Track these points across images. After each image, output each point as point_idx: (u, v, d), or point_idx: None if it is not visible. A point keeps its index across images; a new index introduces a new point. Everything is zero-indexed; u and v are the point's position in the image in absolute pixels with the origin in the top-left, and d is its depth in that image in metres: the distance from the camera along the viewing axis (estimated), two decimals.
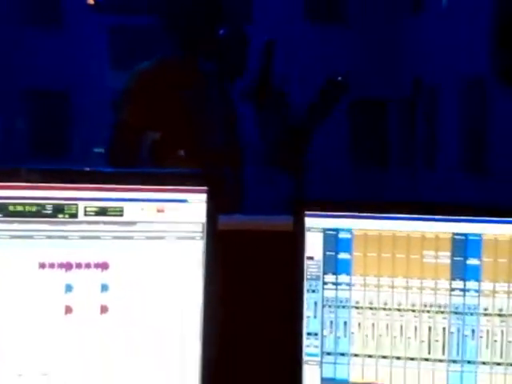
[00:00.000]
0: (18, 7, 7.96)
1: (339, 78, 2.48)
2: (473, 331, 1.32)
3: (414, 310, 1.34)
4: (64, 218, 1.29)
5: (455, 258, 1.33)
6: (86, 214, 1.29)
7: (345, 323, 1.37)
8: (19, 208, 1.27)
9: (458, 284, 1.33)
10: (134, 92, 2.59)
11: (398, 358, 1.35)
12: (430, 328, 1.34)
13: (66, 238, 1.29)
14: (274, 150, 2.54)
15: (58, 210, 1.29)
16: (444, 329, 1.33)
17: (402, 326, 1.35)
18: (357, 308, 1.36)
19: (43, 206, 1.28)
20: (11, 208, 1.27)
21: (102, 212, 1.30)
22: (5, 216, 1.27)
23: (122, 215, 1.31)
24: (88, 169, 1.32)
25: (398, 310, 1.35)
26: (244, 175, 2.82)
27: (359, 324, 1.36)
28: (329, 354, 1.37)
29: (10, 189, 1.27)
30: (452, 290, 1.33)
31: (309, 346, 1.38)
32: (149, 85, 2.57)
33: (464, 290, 1.33)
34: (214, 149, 2.66)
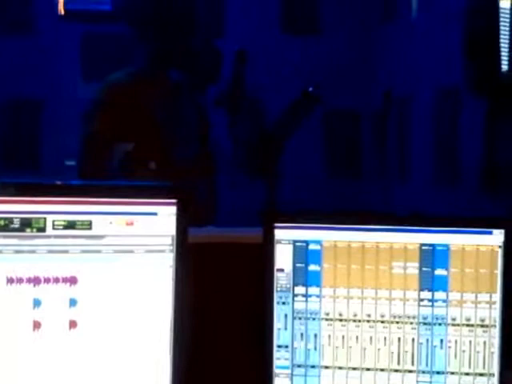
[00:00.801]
0: None
1: (310, 89, 2.50)
2: (441, 341, 1.33)
3: (383, 321, 1.35)
4: (32, 232, 1.28)
5: (423, 269, 1.34)
6: (54, 228, 1.29)
7: (315, 335, 1.37)
8: None
9: (426, 294, 1.34)
10: (105, 103, 2.58)
11: (368, 369, 1.35)
12: (399, 339, 1.35)
13: (34, 252, 1.28)
14: (246, 158, 2.54)
15: (26, 223, 1.28)
16: (413, 339, 1.34)
17: (371, 338, 1.35)
18: (327, 320, 1.36)
19: (11, 220, 1.27)
20: None
21: (71, 226, 1.29)
22: None
23: (90, 229, 1.30)
24: (56, 182, 1.32)
25: (368, 321, 1.35)
26: (217, 186, 2.82)
27: (329, 336, 1.36)
28: (299, 366, 1.37)
29: None
30: (420, 300, 1.34)
31: (279, 358, 1.38)
32: (120, 96, 2.56)
33: (432, 301, 1.34)
34: (186, 160, 2.65)
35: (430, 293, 1.33)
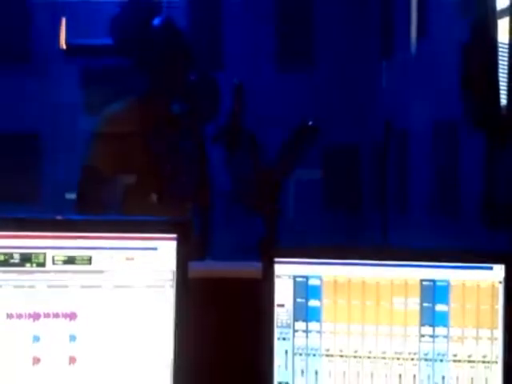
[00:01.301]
0: None
1: (310, 123, 2.51)
2: (443, 378, 1.32)
3: (384, 358, 1.34)
4: (32, 267, 1.28)
5: (424, 304, 1.33)
6: (54, 263, 1.29)
7: (316, 372, 1.36)
8: None
9: (427, 330, 1.33)
10: (102, 136, 2.59)
11: None
12: (400, 375, 1.34)
13: (33, 287, 1.28)
14: (245, 193, 2.54)
15: (26, 258, 1.28)
16: (414, 376, 1.33)
17: (372, 374, 1.34)
18: (327, 356, 1.36)
19: (10, 255, 1.27)
20: None
21: (70, 261, 1.29)
22: None
23: (90, 264, 1.30)
24: (56, 217, 1.32)
25: (369, 357, 1.34)
26: (214, 218, 2.82)
27: (330, 372, 1.35)
28: None
29: None
30: (421, 336, 1.33)
31: None
32: (117, 128, 2.57)
33: (433, 337, 1.33)
34: (184, 193, 2.65)
35: (431, 328, 1.33)
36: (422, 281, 1.33)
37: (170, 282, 1.33)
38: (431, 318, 1.33)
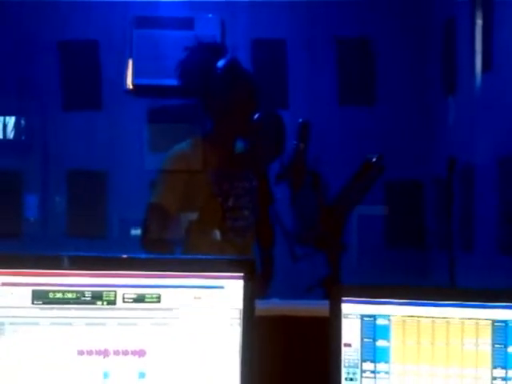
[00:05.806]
0: (60, 94, 8.27)
1: (374, 159, 2.50)
2: None
3: None
4: (102, 305, 1.30)
5: (496, 346, 1.30)
6: (124, 301, 1.31)
7: None
8: (59, 295, 1.29)
9: (500, 372, 1.30)
10: (168, 175, 2.63)
11: None
12: None
13: (103, 324, 1.30)
14: (309, 230, 2.54)
15: (97, 296, 1.30)
16: None
17: None
18: None
19: (82, 293, 1.30)
20: (51, 295, 1.29)
21: (140, 299, 1.31)
22: (45, 303, 1.29)
23: (159, 302, 1.32)
24: (126, 256, 1.34)
25: None
26: (275, 258, 2.82)
27: None
28: None
29: (49, 276, 1.29)
30: (493, 378, 1.30)
31: None
32: (183, 167, 2.60)
33: (506, 379, 1.29)
34: (246, 230, 2.67)
35: (504, 371, 1.30)
36: (493, 321, 1.30)
37: (237, 320, 1.33)
38: (504, 359, 1.30)
